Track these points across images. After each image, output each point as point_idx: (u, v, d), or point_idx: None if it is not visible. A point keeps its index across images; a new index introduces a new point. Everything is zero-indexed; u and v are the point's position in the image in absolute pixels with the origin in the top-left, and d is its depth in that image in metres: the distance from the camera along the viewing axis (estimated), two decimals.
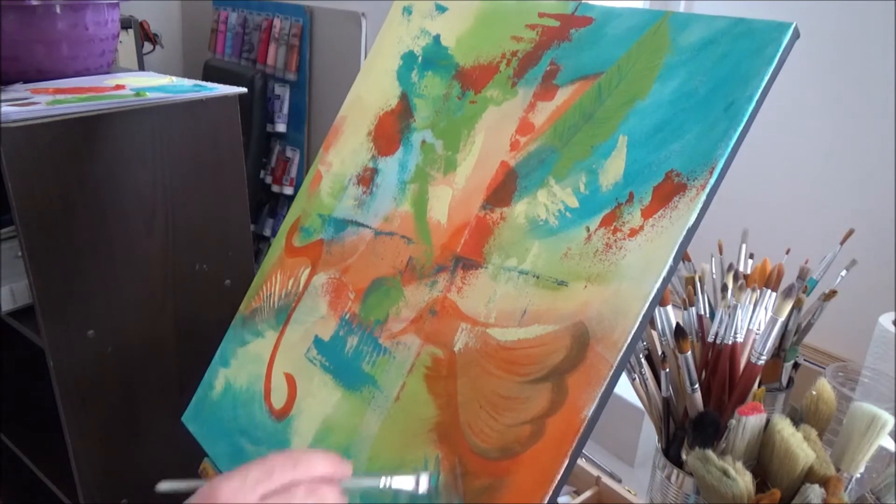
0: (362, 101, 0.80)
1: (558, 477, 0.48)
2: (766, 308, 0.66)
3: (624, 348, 0.48)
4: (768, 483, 0.56)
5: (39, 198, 0.88)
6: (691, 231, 0.49)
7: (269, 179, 2.06)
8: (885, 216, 1.24)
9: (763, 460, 0.57)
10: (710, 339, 0.65)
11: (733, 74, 0.51)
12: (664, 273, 0.48)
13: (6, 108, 0.85)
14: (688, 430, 0.63)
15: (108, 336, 0.99)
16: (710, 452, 0.55)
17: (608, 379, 0.48)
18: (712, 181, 0.49)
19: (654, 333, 0.66)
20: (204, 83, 1.09)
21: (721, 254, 0.82)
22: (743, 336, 0.64)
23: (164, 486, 0.48)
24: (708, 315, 0.71)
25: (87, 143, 0.91)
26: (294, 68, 1.94)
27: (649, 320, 0.60)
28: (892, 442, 0.67)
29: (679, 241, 0.49)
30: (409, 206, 0.69)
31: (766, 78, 0.49)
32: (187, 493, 0.44)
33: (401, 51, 0.78)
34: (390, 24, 0.81)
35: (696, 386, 0.62)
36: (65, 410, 0.97)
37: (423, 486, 0.50)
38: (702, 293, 0.72)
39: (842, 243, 0.80)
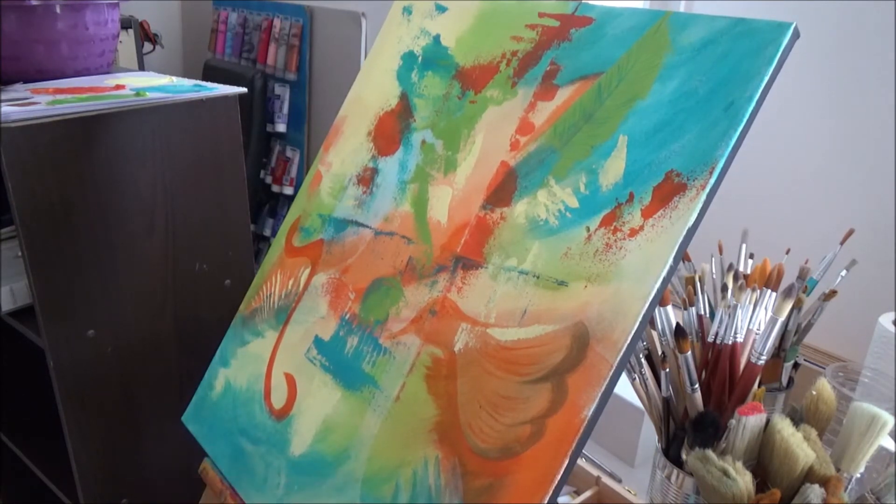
0: (362, 101, 0.80)
1: (558, 477, 0.48)
2: (766, 308, 0.66)
3: (624, 348, 0.48)
4: (768, 483, 0.56)
5: (39, 198, 0.88)
6: (691, 231, 0.49)
7: (269, 179, 2.06)
8: (885, 216, 1.24)
9: (763, 460, 0.57)
10: (710, 339, 0.65)
11: (733, 74, 0.51)
12: (664, 273, 0.48)
13: (6, 108, 0.85)
14: (688, 430, 0.63)
15: (108, 336, 0.99)
16: (710, 452, 0.55)
17: (608, 379, 0.48)
18: (712, 181, 0.49)
19: (654, 333, 0.66)
20: (204, 83, 1.09)
21: (721, 254, 0.82)
22: (743, 336, 0.64)
23: None
24: (708, 315, 0.71)
25: (87, 143, 0.91)
26: (294, 68, 1.94)
27: (649, 320, 0.60)
28: (892, 442, 0.67)
29: (679, 241, 0.49)
30: (409, 206, 0.69)
31: (766, 78, 0.49)
32: None
33: (401, 51, 0.78)
34: (390, 24, 0.81)
35: (696, 386, 0.62)
36: (65, 410, 0.97)
37: None
38: (702, 293, 0.72)
39: (842, 243, 0.80)
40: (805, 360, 0.95)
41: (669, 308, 0.64)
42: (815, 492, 0.52)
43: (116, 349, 1.00)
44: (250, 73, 1.98)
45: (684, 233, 0.49)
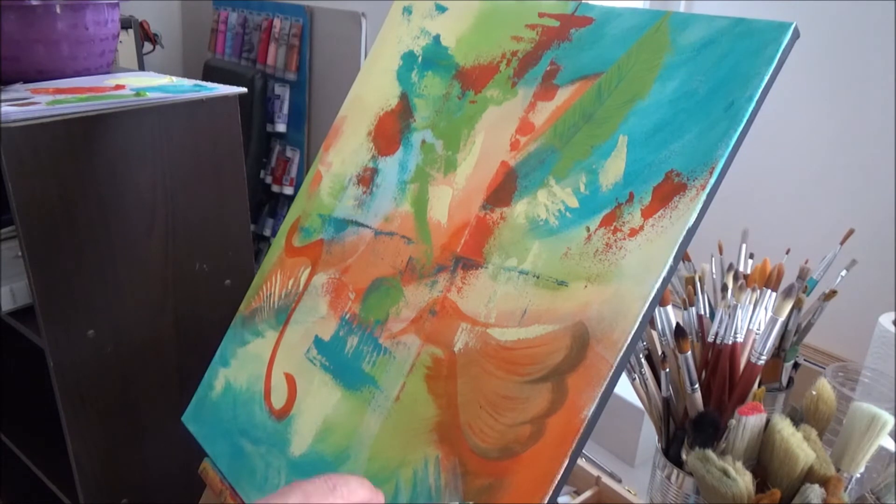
0: (362, 101, 0.80)
1: (558, 477, 0.48)
2: (766, 308, 0.66)
3: (624, 348, 0.48)
4: (768, 483, 0.56)
5: (39, 198, 0.88)
6: (691, 231, 0.49)
7: (269, 179, 2.06)
8: (885, 216, 1.24)
9: (763, 460, 0.57)
10: (710, 339, 0.65)
11: (733, 74, 0.51)
12: (664, 273, 0.48)
13: (6, 108, 0.85)
14: (688, 430, 0.63)
15: (108, 336, 0.99)
16: (710, 452, 0.55)
17: (608, 379, 0.48)
18: (712, 181, 0.49)
19: (654, 333, 0.66)
20: (204, 83, 1.09)
21: (721, 254, 0.82)
22: (743, 336, 0.64)
23: None
24: (708, 315, 0.71)
25: (87, 143, 0.91)
26: (294, 68, 1.94)
27: (649, 320, 0.60)
28: (892, 442, 0.67)
29: (679, 241, 0.49)
30: (409, 206, 0.69)
31: (767, 78, 0.49)
32: None
33: (401, 51, 0.78)
34: (390, 24, 0.81)
35: (696, 386, 0.62)
36: (65, 410, 0.97)
37: None
38: (702, 293, 0.72)
39: (842, 243, 0.80)
40: (805, 360, 0.96)
41: (669, 308, 0.64)
42: (815, 492, 0.52)
43: (116, 349, 1.00)
44: (250, 73, 1.98)
45: (684, 233, 0.49)
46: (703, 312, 0.70)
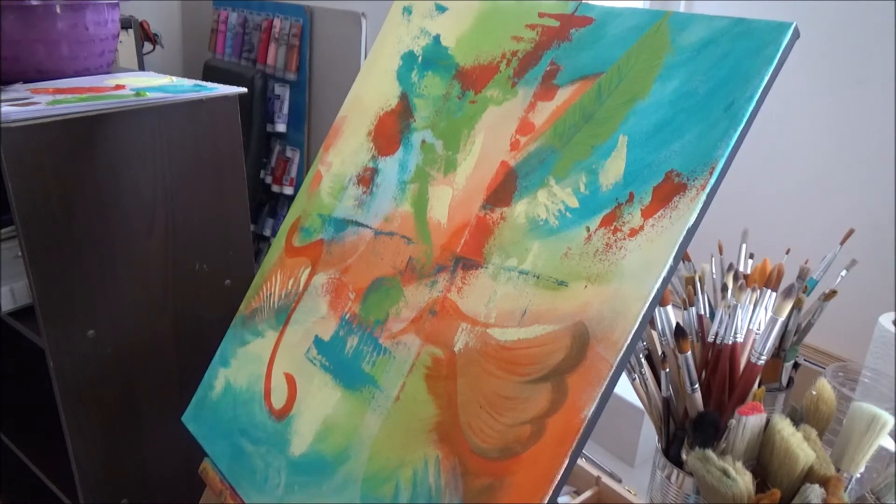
0: (362, 101, 0.80)
1: (558, 477, 0.48)
2: (766, 308, 0.66)
3: (624, 348, 0.48)
4: (768, 483, 0.56)
5: (39, 198, 0.88)
6: (691, 231, 0.49)
7: (269, 179, 2.06)
8: (885, 216, 1.24)
9: (763, 460, 0.57)
10: (710, 339, 0.65)
11: (733, 74, 0.51)
12: (664, 273, 0.49)
13: (6, 108, 0.85)
14: (688, 430, 0.63)
15: (108, 336, 0.99)
16: (710, 452, 0.55)
17: (608, 379, 0.48)
18: (712, 181, 0.49)
19: (654, 333, 0.66)
20: (204, 83, 1.09)
21: (721, 254, 0.82)
22: (743, 336, 0.64)
23: None
24: (708, 315, 0.71)
25: (87, 143, 0.91)
26: (294, 68, 1.94)
27: (649, 320, 0.60)
28: (892, 442, 0.67)
29: (679, 241, 0.49)
30: (409, 206, 0.69)
31: (766, 78, 0.49)
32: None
33: (401, 51, 0.78)
34: (390, 24, 0.81)
35: (696, 386, 0.63)
36: (65, 410, 0.97)
37: None
38: (702, 293, 0.72)
39: (842, 243, 0.80)
40: (805, 360, 0.95)
41: (669, 308, 0.64)
42: (815, 492, 0.52)
43: (116, 349, 1.00)
44: (250, 73, 1.98)
45: (684, 233, 0.49)
46: (703, 312, 0.70)
